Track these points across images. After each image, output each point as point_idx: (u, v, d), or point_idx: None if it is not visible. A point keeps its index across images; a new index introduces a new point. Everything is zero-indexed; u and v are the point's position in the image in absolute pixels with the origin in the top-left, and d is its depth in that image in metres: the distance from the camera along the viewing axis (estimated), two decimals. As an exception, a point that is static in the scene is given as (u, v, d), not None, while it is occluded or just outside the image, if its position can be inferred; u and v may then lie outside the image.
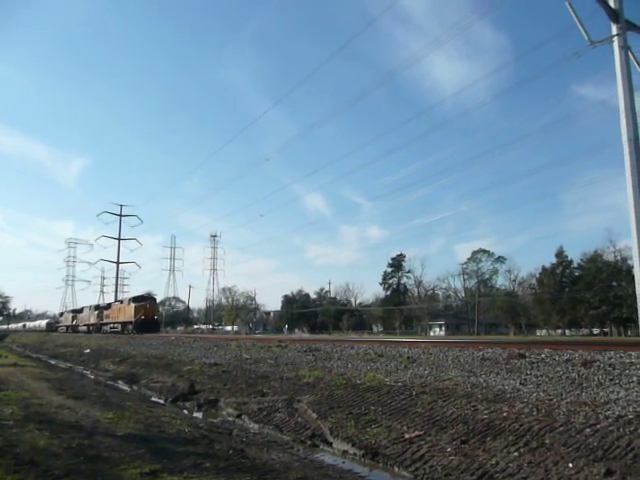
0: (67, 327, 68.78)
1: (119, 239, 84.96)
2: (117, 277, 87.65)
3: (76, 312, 68.32)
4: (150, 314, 45.84)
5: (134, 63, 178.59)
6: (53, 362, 21.47)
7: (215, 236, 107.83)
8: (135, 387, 12.78)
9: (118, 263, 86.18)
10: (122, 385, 13.35)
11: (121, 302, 52.67)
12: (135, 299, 48.03)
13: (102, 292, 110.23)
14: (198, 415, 8.96)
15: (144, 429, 5.85)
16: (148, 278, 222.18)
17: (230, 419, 8.36)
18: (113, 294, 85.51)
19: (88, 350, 23.66)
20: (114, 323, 49.94)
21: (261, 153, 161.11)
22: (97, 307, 59.56)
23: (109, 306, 55.16)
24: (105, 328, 52.09)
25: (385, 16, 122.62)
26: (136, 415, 6.88)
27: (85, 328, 58.85)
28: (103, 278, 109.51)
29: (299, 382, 9.36)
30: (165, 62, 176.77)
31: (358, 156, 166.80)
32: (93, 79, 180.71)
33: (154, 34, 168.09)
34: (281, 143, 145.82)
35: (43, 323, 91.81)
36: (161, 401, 10.42)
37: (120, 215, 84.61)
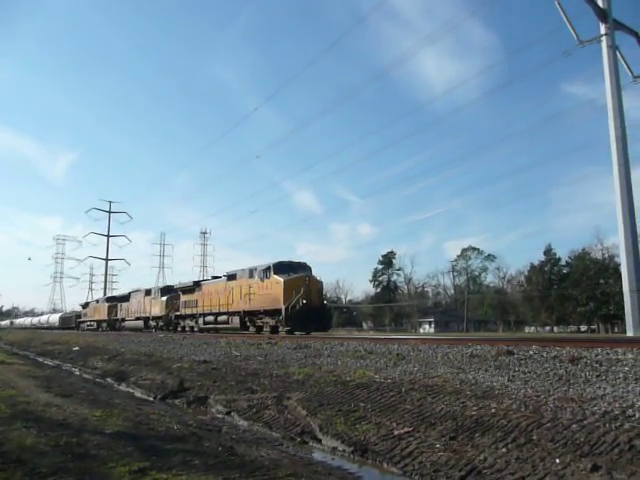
0: (99, 323, 49.90)
1: (108, 236, 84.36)
2: (106, 274, 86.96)
3: (117, 300, 47.94)
4: (316, 298, 24.59)
5: (122, 60, 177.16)
6: (41, 360, 21.27)
7: (205, 233, 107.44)
8: (124, 384, 12.71)
9: (107, 260, 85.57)
10: (111, 382, 13.26)
11: (231, 277, 28.87)
12: (279, 268, 25.41)
13: (91, 289, 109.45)
14: (187, 412, 8.93)
15: (133, 427, 5.82)
16: (138, 275, 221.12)
17: (219, 416, 8.34)
18: (102, 291, 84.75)
19: (76, 347, 23.47)
20: (223, 314, 28.68)
21: (251, 150, 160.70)
22: (167, 290, 37.35)
23: (198, 285, 32.68)
24: (190, 323, 33.02)
25: (375, 13, 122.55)
26: (125, 413, 6.84)
27: (137, 323, 39.88)
28: (92, 275, 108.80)
29: (289, 379, 9.36)
30: (153, 58, 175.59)
31: (349, 153, 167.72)
32: (81, 75, 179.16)
33: (142, 30, 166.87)
34: (271, 140, 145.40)
35: (53, 318, 76.44)
36: (150, 399, 10.37)
37: (109, 212, 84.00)
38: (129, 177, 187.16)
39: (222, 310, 28.99)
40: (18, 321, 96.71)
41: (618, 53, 18.96)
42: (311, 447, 6.20)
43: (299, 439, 6.45)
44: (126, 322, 42.36)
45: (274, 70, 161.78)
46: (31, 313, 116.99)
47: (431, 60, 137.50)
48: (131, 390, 11.73)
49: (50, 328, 67.50)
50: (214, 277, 34.18)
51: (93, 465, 3.93)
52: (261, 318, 26.15)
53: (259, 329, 26.71)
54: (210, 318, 30.42)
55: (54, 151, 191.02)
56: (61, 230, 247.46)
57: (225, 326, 28.74)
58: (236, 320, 27.57)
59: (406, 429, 5.78)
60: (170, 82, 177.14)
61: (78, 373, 15.78)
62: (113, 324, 45.92)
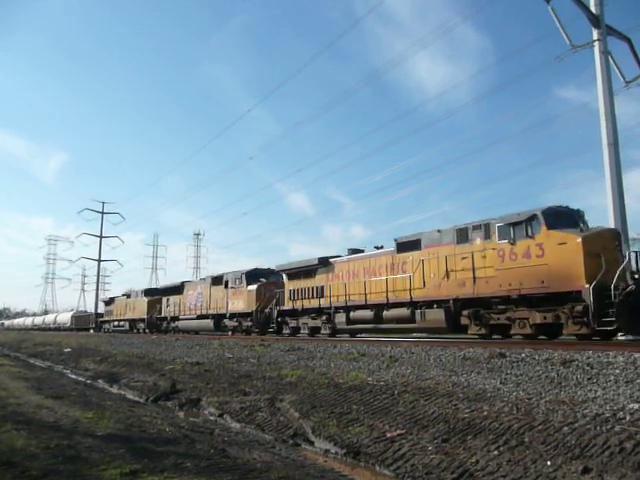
0: (134, 322, 38.77)
1: (100, 237, 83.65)
2: (98, 275, 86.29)
3: (161, 293, 36.36)
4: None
5: (115, 58, 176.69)
6: (32, 361, 21.14)
7: (198, 234, 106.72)
8: (116, 386, 12.64)
9: (99, 261, 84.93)
10: (102, 384, 13.19)
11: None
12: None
13: (83, 290, 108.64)
14: (180, 415, 8.90)
15: (124, 429, 5.79)
16: (130, 276, 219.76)
17: (212, 418, 8.32)
18: (94, 292, 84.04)
19: (68, 349, 23.34)
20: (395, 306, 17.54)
21: (245, 152, 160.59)
22: (255, 275, 25.79)
23: (326, 264, 21.41)
24: (312, 322, 21.49)
25: (370, 16, 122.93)
26: (116, 415, 6.81)
27: (200, 323, 29.09)
28: (84, 276, 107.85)
29: (281, 381, 9.34)
30: (145, 60, 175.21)
31: (342, 155, 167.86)
32: (74, 76, 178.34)
33: (133, 32, 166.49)
34: (265, 141, 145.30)
35: (63, 317, 66.90)
36: (142, 401, 10.32)
37: (102, 212, 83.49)
38: (122, 178, 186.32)
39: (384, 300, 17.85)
40: (16, 321, 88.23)
41: (610, 58, 19.12)
42: (304, 449, 6.20)
43: (291, 441, 6.45)
44: (180, 321, 31.50)
45: (268, 72, 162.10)
46: (23, 314, 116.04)
47: (424, 63, 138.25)
48: (123, 392, 11.68)
49: (58, 329, 60.06)
50: (353, 251, 21.41)
51: (84, 467, 3.91)
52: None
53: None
54: (366, 313, 18.65)
55: (46, 151, 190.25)
56: (53, 230, 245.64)
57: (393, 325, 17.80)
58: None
59: (398, 431, 5.79)
60: (163, 83, 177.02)
61: (70, 375, 15.69)
62: (156, 324, 34.94)
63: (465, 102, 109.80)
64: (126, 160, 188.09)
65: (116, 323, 42.64)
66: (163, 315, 34.23)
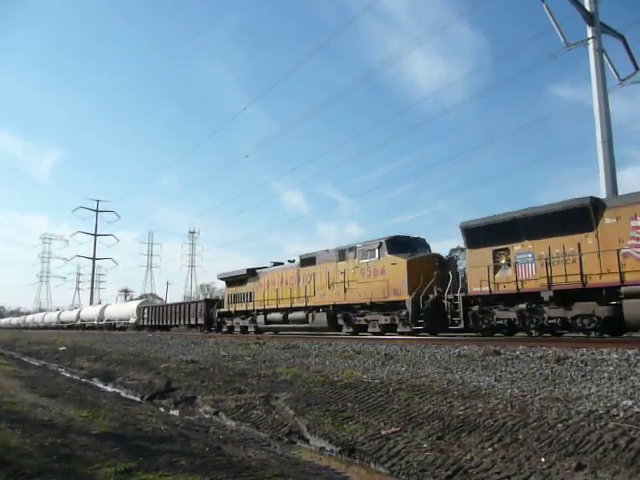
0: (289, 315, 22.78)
1: (95, 235, 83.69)
2: (93, 273, 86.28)
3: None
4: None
5: (112, 55, 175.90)
6: (26, 360, 21.07)
7: (193, 232, 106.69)
8: (111, 385, 12.62)
9: (94, 259, 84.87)
10: (97, 383, 13.16)
11: None
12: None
13: (78, 289, 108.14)
14: (175, 413, 8.90)
15: (119, 427, 5.78)
16: (125, 275, 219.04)
17: (207, 416, 8.32)
18: (89, 291, 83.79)
19: (63, 347, 23.26)
20: None
21: (240, 150, 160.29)
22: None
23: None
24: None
25: (365, 14, 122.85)
26: (111, 413, 6.79)
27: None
28: (79, 275, 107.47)
29: (277, 379, 9.35)
30: (144, 57, 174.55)
31: (338, 153, 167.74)
32: (70, 73, 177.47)
33: (128, 32, 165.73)
34: (260, 140, 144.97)
35: (114, 311, 48.52)
36: (137, 399, 10.31)
37: (97, 210, 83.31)
38: (116, 176, 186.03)
39: None
40: (36, 317, 75.59)
41: (605, 56, 19.18)
42: (299, 447, 6.21)
43: (287, 439, 6.46)
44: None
45: (263, 70, 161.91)
46: (18, 312, 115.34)
47: (420, 61, 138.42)
48: (118, 390, 11.66)
49: (113, 328, 45.26)
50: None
51: (78, 466, 3.90)
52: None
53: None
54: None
55: (40, 149, 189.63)
56: (47, 229, 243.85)
57: None
58: None
59: (393, 429, 5.80)
60: (159, 81, 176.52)
61: (64, 373, 15.65)
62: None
63: (460, 100, 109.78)
64: (121, 158, 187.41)
65: (274, 316, 23.49)
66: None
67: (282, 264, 24.74)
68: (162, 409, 9.12)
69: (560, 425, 4.87)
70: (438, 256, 18.00)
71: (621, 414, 4.87)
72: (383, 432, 5.76)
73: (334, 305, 19.73)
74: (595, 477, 3.91)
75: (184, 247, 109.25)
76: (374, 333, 17.67)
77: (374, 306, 17.94)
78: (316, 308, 20.65)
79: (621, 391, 5.70)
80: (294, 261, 23.52)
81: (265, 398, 8.12)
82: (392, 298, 17.03)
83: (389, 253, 17.58)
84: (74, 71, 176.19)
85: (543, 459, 4.34)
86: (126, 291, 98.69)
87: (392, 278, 17.11)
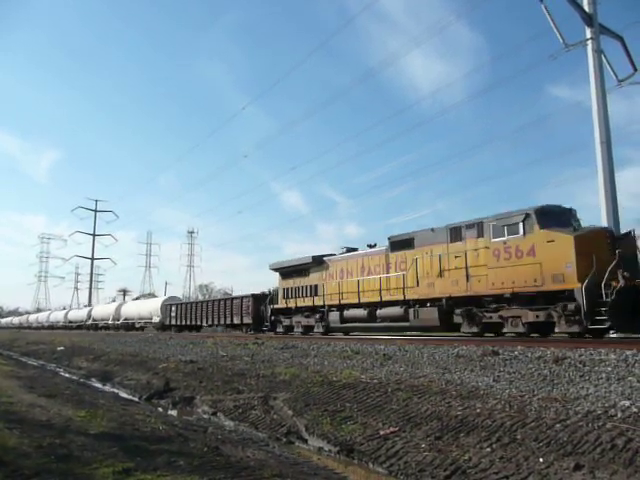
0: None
1: (94, 235, 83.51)
2: (92, 273, 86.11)
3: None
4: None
5: (112, 54, 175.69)
6: (25, 360, 21.04)
7: (192, 232, 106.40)
8: (109, 385, 12.61)
9: (93, 259, 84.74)
10: (96, 383, 13.16)
11: None
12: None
13: (76, 289, 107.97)
14: (173, 413, 8.90)
15: (117, 427, 5.77)
16: (124, 275, 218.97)
17: (205, 417, 8.31)
18: (87, 291, 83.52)
19: (61, 347, 23.24)
20: None
21: (239, 150, 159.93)
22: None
23: None
24: None
25: (364, 14, 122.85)
26: (109, 413, 6.79)
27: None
28: (77, 274, 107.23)
29: (275, 379, 9.35)
30: (143, 56, 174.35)
31: (336, 153, 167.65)
32: (69, 73, 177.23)
33: (126, 31, 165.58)
34: (259, 139, 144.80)
35: (149, 307, 42.01)
36: (135, 399, 10.30)
37: (95, 210, 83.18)
38: (115, 176, 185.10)
39: None
40: (40, 316, 71.18)
41: (603, 57, 19.21)
42: (297, 447, 6.21)
43: (285, 439, 6.46)
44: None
45: (262, 70, 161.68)
46: (15, 312, 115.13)
47: (418, 61, 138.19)
48: (116, 390, 11.65)
49: (131, 328, 41.41)
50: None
51: (76, 466, 3.89)
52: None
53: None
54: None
55: (38, 149, 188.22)
56: (45, 228, 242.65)
57: None
58: None
59: (392, 429, 5.80)
60: (158, 81, 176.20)
61: (63, 373, 15.64)
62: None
63: (459, 100, 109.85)
64: (120, 158, 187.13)
65: (354, 313, 19.05)
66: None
67: (357, 250, 20.40)
68: (160, 409, 9.12)
69: (558, 425, 4.87)
70: (610, 231, 14.03)
71: (619, 414, 4.88)
72: (381, 432, 5.76)
73: (449, 298, 15.36)
74: (593, 477, 3.92)
75: (183, 247, 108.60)
76: (518, 334, 13.68)
77: (515, 298, 13.64)
78: (420, 302, 16.32)
79: (619, 391, 5.70)
80: (375, 245, 19.34)
81: (264, 398, 8.12)
82: (550, 287, 12.78)
83: (542, 228, 13.27)
84: (74, 71, 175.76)
85: (541, 459, 4.35)
86: (124, 291, 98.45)
87: (548, 260, 12.92)
